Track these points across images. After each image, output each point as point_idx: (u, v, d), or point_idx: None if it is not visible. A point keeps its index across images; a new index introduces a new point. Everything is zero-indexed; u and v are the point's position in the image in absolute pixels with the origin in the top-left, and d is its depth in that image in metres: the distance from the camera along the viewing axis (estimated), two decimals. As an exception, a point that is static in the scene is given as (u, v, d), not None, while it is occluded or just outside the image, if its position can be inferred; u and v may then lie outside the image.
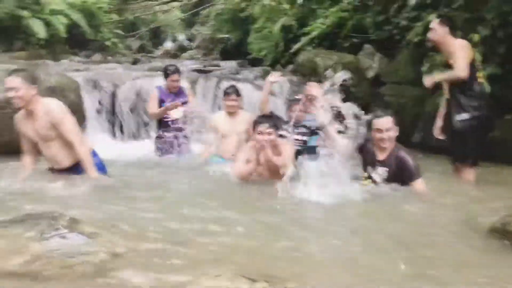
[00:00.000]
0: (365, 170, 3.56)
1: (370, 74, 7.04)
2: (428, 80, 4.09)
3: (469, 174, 3.95)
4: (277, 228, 2.55)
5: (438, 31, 3.94)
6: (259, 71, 7.98)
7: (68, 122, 3.35)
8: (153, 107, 4.93)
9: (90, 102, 5.72)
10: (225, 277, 1.58)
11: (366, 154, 3.56)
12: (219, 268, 1.76)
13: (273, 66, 9.48)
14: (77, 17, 10.84)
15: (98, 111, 5.92)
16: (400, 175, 3.40)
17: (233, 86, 4.76)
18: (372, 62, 7.10)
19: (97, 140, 5.56)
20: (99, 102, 5.94)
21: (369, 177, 3.50)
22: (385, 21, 7.03)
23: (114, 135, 5.95)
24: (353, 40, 7.47)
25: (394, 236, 2.42)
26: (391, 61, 7.00)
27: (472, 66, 3.83)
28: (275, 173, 3.68)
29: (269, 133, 3.67)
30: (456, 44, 3.85)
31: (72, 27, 10.62)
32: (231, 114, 4.53)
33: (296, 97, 5.32)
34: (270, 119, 3.92)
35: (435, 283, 1.81)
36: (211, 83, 6.62)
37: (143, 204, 2.97)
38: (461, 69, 3.75)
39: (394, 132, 3.47)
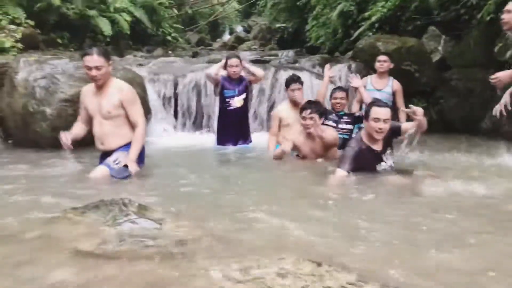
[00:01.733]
0: (365, 169, 3.43)
1: (436, 57, 6.71)
2: (504, 76, 3.69)
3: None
4: (336, 213, 2.52)
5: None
6: (317, 59, 7.86)
7: (138, 104, 3.55)
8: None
9: (154, 95, 5.94)
10: (289, 261, 1.59)
11: (366, 155, 3.42)
12: (281, 253, 1.77)
13: (331, 53, 9.32)
14: (139, 13, 11.28)
15: (162, 104, 6.15)
16: (391, 140, 3.55)
17: (295, 75, 4.75)
18: (437, 45, 6.76)
19: (162, 132, 5.81)
20: (162, 95, 6.17)
21: None
22: (451, 0, 6.64)
23: (177, 126, 6.15)
24: (416, 22, 7.14)
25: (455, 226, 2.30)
26: (458, 43, 6.62)
27: None
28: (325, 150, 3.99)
29: (311, 118, 3.90)
30: None
31: (135, 23, 11.07)
32: (295, 104, 4.49)
33: (339, 85, 5.29)
34: (314, 105, 4.06)
35: None
36: (269, 73, 6.63)
37: (205, 192, 3.06)
38: None
39: (389, 125, 3.38)
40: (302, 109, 4.03)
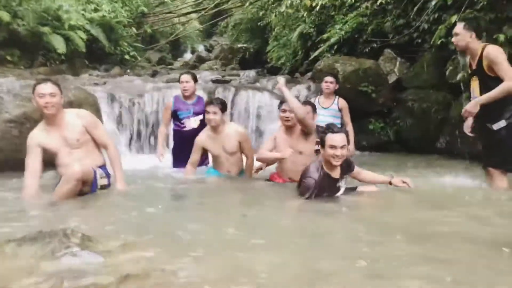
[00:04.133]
0: (331, 194, 3.42)
1: (392, 79, 6.89)
2: (471, 108, 3.64)
3: (502, 181, 3.75)
4: (294, 239, 2.43)
5: (463, 36, 3.75)
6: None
7: (101, 125, 3.60)
8: (164, 117, 4.94)
9: (108, 116, 5.73)
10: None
11: (325, 186, 3.37)
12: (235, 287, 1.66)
13: (292, 74, 9.42)
14: (96, 31, 11.04)
15: (117, 125, 5.94)
16: (346, 172, 3.55)
17: (217, 99, 4.50)
18: (393, 67, 6.95)
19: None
20: (117, 116, 5.96)
21: None
22: (405, 24, 6.89)
23: (132, 148, 5.94)
24: (373, 45, 7.34)
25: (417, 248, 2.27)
26: (413, 65, 6.84)
27: None
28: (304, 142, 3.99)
29: (283, 110, 3.97)
30: (492, 51, 3.57)
31: (92, 41, 10.80)
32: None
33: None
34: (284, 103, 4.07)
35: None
36: (229, 93, 6.58)
37: (158, 220, 2.89)
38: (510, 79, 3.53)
39: (346, 150, 3.34)
40: (282, 102, 4.05)
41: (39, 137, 3.41)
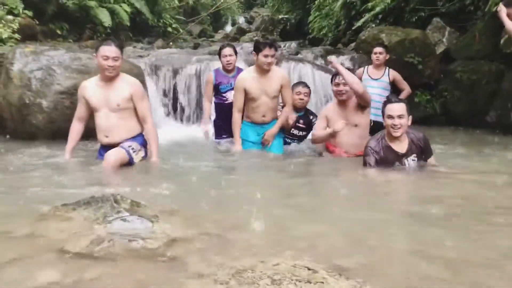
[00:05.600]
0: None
1: (440, 49, 6.58)
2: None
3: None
4: (340, 212, 2.44)
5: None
6: (320, 51, 7.75)
7: (147, 99, 3.65)
8: (207, 91, 4.96)
9: (152, 87, 5.85)
10: (285, 265, 1.52)
11: (385, 155, 3.33)
12: (278, 254, 1.70)
13: (334, 45, 9.20)
14: (140, 4, 11.18)
15: (161, 96, 6.07)
16: (422, 154, 3.39)
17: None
18: (441, 37, 6.63)
19: (159, 123, 5.72)
20: (162, 87, 6.08)
21: None
22: (456, -9, 6.52)
23: (176, 118, 6.07)
24: (420, 14, 7.01)
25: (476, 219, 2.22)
26: (463, 35, 6.50)
27: None
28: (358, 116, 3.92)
29: (345, 84, 3.84)
30: None
31: (135, 14, 10.96)
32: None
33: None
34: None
35: None
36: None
37: (201, 188, 2.98)
38: None
39: (406, 120, 3.25)
40: (335, 76, 3.96)
41: (85, 90, 3.59)
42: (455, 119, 6.37)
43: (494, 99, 5.87)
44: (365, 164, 3.39)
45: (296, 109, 4.46)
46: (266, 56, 4.06)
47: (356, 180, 3.34)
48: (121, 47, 3.53)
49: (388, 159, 3.33)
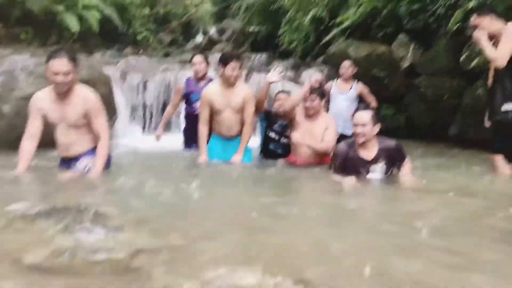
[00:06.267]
0: (356, 175, 3.42)
1: (405, 64, 6.80)
2: (478, 33, 3.60)
3: (505, 167, 3.70)
4: (308, 223, 2.45)
5: (483, 23, 3.64)
6: (289, 63, 7.86)
7: (103, 114, 3.34)
8: (173, 99, 5.00)
9: (120, 95, 5.76)
10: (252, 275, 1.51)
11: (351, 161, 3.43)
12: (245, 266, 1.69)
13: (303, 58, 9.34)
14: (109, 11, 11.02)
15: (129, 104, 5.97)
16: (394, 162, 3.43)
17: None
18: (406, 52, 6.85)
19: (127, 132, 5.63)
20: (130, 95, 5.99)
21: None
22: (420, 9, 6.75)
23: (144, 127, 5.99)
24: (386, 29, 7.22)
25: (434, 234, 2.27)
26: (427, 51, 6.73)
27: None
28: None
29: (313, 100, 4.12)
30: (508, 27, 3.49)
31: (105, 21, 10.79)
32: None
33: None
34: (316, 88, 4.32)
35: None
36: (242, 75, 6.56)
37: (168, 197, 2.93)
38: (499, 56, 3.45)
39: (370, 129, 3.35)
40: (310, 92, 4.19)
41: (42, 102, 3.27)
42: (420, 132, 6.56)
43: (456, 113, 6.10)
44: (330, 167, 3.58)
45: (280, 117, 4.45)
46: (233, 69, 4.08)
47: (325, 191, 3.38)
48: (74, 59, 3.18)
49: (355, 165, 3.41)
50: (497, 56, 3.48)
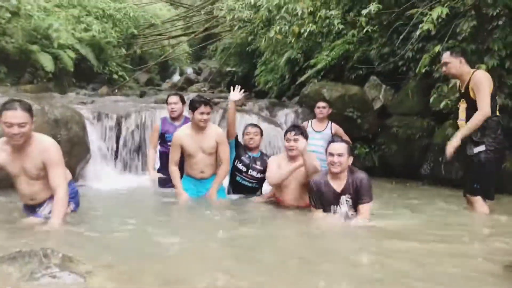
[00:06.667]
0: (324, 207, 3.55)
1: (377, 105, 6.99)
2: (451, 147, 3.79)
3: (483, 207, 3.81)
4: (287, 262, 2.41)
5: (454, 63, 3.86)
6: (265, 103, 7.98)
7: (61, 164, 3.14)
8: (152, 140, 4.92)
9: (94, 134, 5.68)
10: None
11: (323, 192, 3.54)
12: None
13: (279, 98, 9.51)
14: (85, 51, 11.05)
15: (103, 144, 5.88)
16: (356, 197, 3.47)
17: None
18: (378, 94, 7.07)
19: (100, 172, 5.51)
20: (104, 135, 5.91)
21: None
22: (390, 52, 7.04)
23: (117, 167, 5.88)
24: (358, 72, 7.47)
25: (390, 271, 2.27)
26: (398, 92, 6.97)
27: (493, 97, 3.73)
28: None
29: (295, 140, 3.86)
30: (478, 77, 3.73)
31: (80, 60, 10.80)
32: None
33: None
34: (298, 127, 4.11)
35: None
36: (217, 115, 6.61)
37: (140, 240, 2.85)
38: (486, 109, 3.65)
39: (346, 159, 3.48)
40: (287, 131, 4.04)
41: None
42: (393, 171, 6.67)
43: (427, 153, 6.25)
44: (309, 199, 3.66)
45: (250, 150, 4.48)
46: (202, 113, 4.15)
47: (302, 230, 3.36)
48: (29, 110, 2.99)
49: (327, 195, 3.53)
50: (484, 111, 3.67)
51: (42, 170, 3.12)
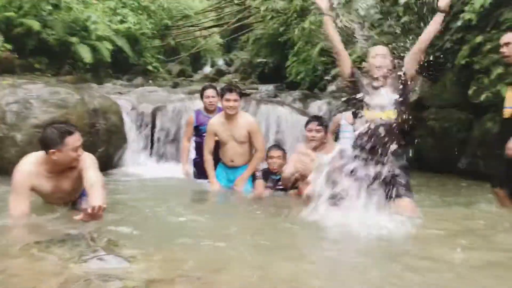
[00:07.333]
0: None
1: (413, 97, 6.84)
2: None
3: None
4: (320, 252, 2.43)
5: None
6: (297, 95, 7.96)
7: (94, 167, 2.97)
8: (187, 132, 4.98)
9: (130, 124, 5.83)
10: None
11: None
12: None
13: (311, 89, 9.45)
14: (121, 42, 11.30)
15: (139, 133, 6.03)
16: None
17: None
18: (414, 85, 6.91)
19: (137, 160, 5.67)
20: (140, 124, 6.06)
21: None
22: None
23: (153, 156, 6.02)
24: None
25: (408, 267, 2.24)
26: (435, 84, 6.79)
27: None
28: None
29: (318, 130, 3.93)
30: None
31: (116, 52, 11.04)
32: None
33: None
34: (319, 118, 4.16)
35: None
36: (250, 107, 6.65)
37: (182, 228, 2.92)
38: None
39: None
40: (308, 121, 4.06)
41: (34, 180, 2.88)
42: (428, 165, 6.53)
43: (465, 146, 6.08)
44: None
45: (272, 172, 4.30)
46: (228, 100, 4.20)
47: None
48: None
49: None
50: None
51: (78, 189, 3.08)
